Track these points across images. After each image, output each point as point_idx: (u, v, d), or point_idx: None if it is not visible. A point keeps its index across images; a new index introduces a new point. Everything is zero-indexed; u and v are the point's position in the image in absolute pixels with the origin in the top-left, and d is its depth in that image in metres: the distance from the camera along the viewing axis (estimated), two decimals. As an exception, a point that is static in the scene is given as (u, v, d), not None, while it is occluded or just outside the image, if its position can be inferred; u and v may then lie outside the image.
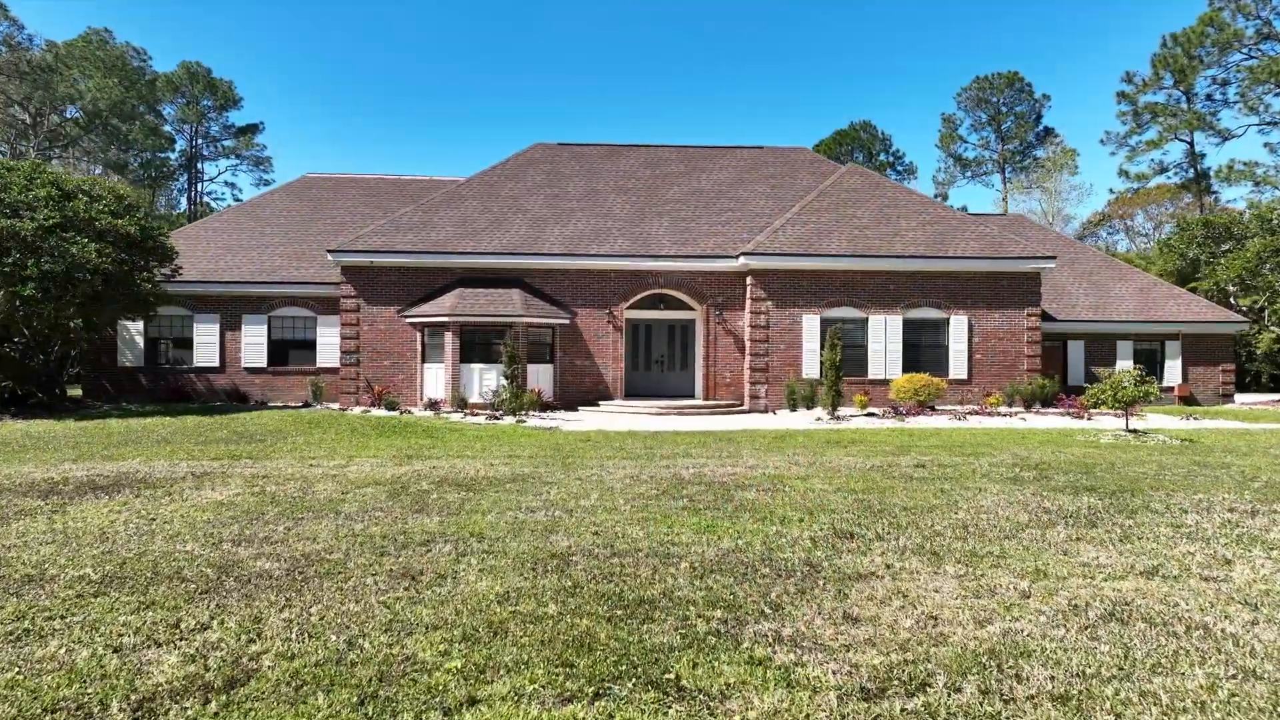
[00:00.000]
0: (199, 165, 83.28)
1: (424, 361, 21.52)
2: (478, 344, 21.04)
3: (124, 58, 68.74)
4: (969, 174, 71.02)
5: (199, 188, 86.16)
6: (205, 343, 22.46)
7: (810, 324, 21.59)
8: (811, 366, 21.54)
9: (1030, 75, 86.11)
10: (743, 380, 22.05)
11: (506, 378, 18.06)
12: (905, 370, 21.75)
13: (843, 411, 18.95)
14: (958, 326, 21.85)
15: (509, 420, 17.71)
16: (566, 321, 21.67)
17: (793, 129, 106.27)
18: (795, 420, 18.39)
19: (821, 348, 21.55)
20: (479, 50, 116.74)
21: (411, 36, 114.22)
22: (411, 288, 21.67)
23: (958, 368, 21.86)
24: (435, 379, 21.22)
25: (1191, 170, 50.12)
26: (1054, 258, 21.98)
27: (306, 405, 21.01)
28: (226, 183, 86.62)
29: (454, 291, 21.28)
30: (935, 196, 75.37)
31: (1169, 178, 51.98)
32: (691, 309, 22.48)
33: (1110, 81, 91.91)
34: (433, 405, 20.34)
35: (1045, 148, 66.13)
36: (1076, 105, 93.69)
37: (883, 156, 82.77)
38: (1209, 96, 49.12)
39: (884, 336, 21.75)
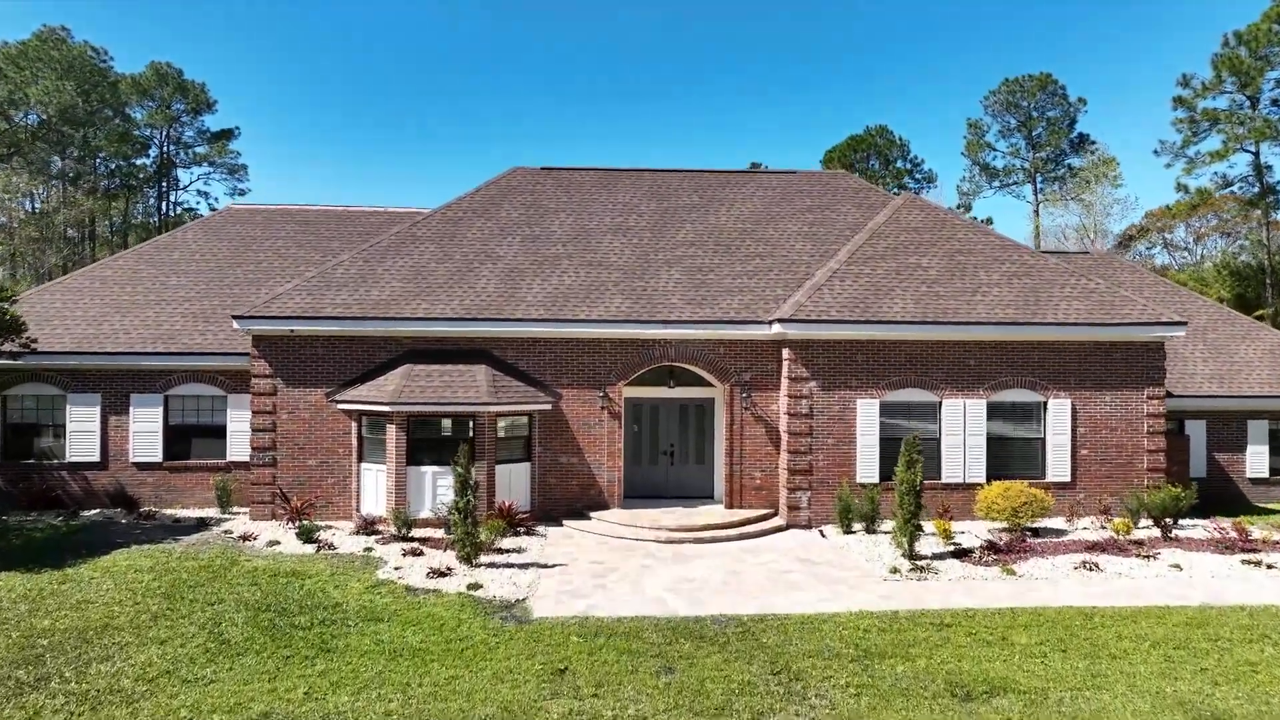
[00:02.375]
0: (173, 173, 78.36)
1: (361, 460, 16.45)
2: (431, 439, 15.98)
3: (83, 58, 63.66)
4: (996, 184, 65.85)
5: (173, 197, 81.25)
6: (82, 431, 17.39)
7: (867, 411, 16.50)
8: (869, 467, 16.46)
9: (1064, 77, 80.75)
10: (777, 482, 16.97)
11: (460, 492, 12.94)
12: (990, 469, 16.67)
13: (921, 545, 13.86)
14: (1058, 413, 16.77)
15: (458, 578, 12.61)
16: (548, 406, 16.61)
17: (802, 137, 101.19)
18: (853, 555, 13.31)
19: (881, 440, 16.48)
20: (469, 53, 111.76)
21: (396, 45, 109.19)
22: (345, 363, 16.60)
23: (1058, 467, 16.78)
24: (375, 486, 16.15)
25: (1258, 185, 44.97)
26: (1184, 323, 16.88)
27: (200, 527, 15.91)
28: (200, 192, 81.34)
29: (400, 369, 16.21)
30: (957, 208, 70.43)
31: (1236, 192, 46.83)
32: (710, 384, 17.41)
33: (1156, 84, 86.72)
34: (369, 526, 15.25)
35: (1081, 156, 61.13)
36: (1117, 111, 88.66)
37: (900, 163, 77.83)
38: (1276, 102, 44.01)
39: (962, 426, 16.67)
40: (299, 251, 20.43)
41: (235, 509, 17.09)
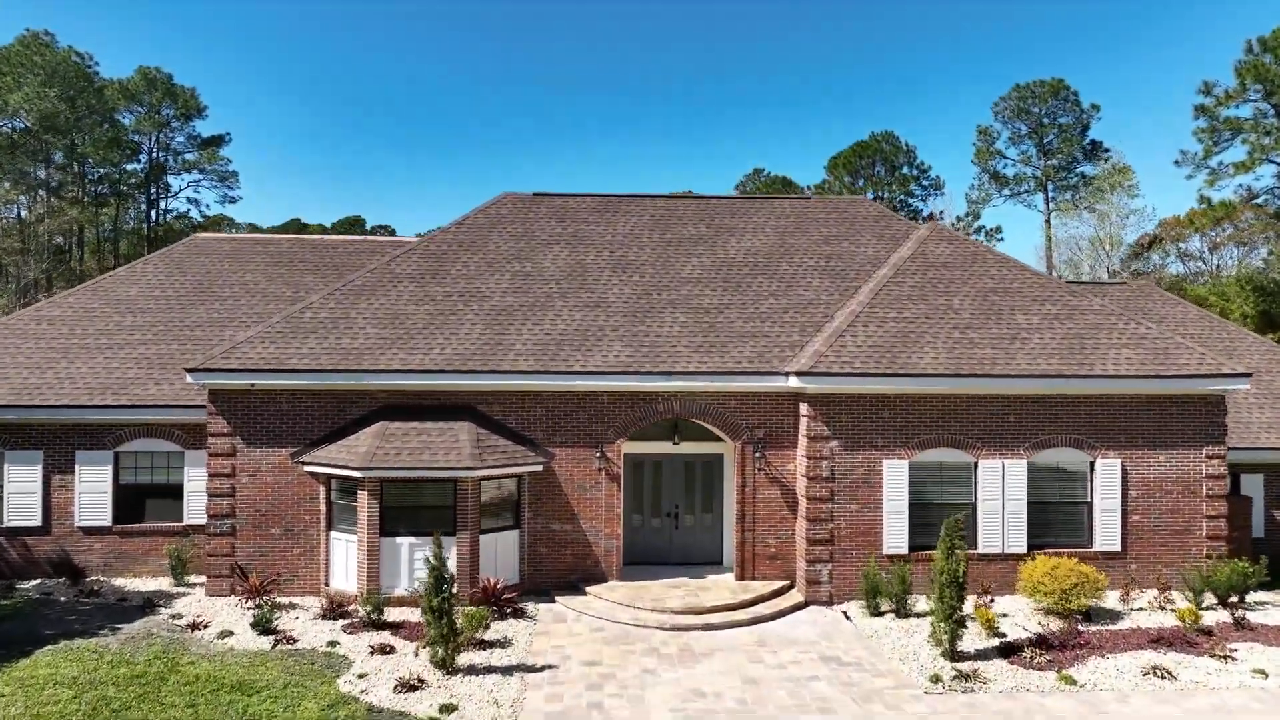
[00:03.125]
0: (163, 179, 76.67)
1: (330, 529, 14.74)
2: (408, 506, 14.29)
3: (68, 63, 61.94)
4: (1007, 192, 64.07)
5: (163, 205, 79.60)
6: (21, 492, 15.67)
7: (894, 473, 14.79)
8: (897, 536, 14.75)
9: (1076, 83, 78.90)
10: (794, 550, 15.26)
11: (435, 589, 11.19)
12: (1031, 537, 14.96)
13: (962, 641, 12.12)
14: (1107, 475, 15.05)
15: (431, 693, 10.89)
16: (539, 467, 14.91)
17: (806, 145, 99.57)
18: (885, 650, 11.60)
19: (911, 506, 14.78)
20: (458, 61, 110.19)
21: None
22: (313, 420, 14.89)
23: (1106, 534, 15.07)
24: (346, 557, 14.45)
25: (1283, 197, 43.25)
26: (1248, 375, 15.17)
27: (147, 609, 14.19)
28: (189, 199, 79.56)
29: (374, 427, 14.51)
30: (966, 216, 68.79)
31: (1263, 203, 45.07)
32: (719, 438, 15.70)
33: (1170, 91, 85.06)
34: (337, 608, 13.52)
35: (1094, 164, 59.40)
36: (1131, 118, 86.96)
37: (906, 170, 76.18)
38: (1301, 111, 42.21)
39: (1001, 490, 14.96)
40: (269, 286, 18.70)
41: (192, 579, 15.37)
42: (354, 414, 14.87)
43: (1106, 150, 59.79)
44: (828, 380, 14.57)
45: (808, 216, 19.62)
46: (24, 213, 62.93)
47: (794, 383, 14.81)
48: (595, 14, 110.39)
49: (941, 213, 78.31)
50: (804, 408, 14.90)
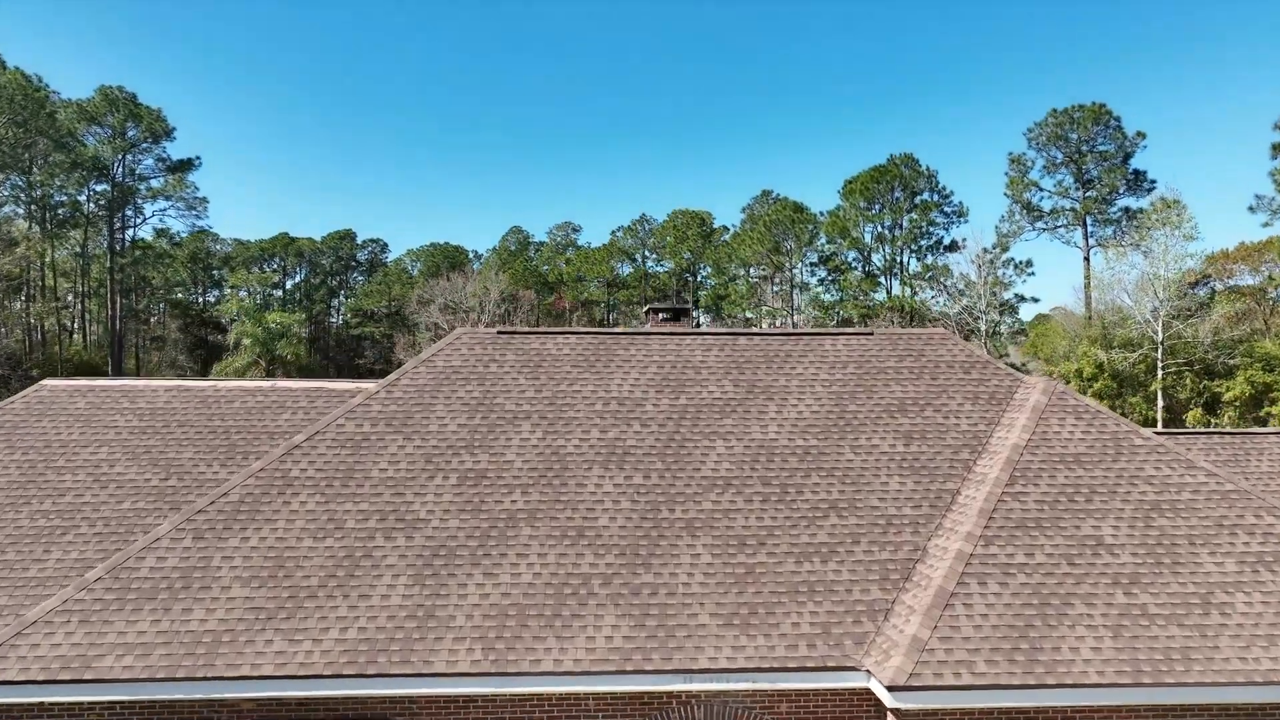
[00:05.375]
0: (130, 204, 71.47)
1: None
2: None
3: (15, 84, 56.75)
4: (1041, 225, 58.88)
5: (129, 235, 74.36)
6: None
7: (1037, 834, 9.59)
8: None
9: (1118, 109, 73.66)
10: None
11: None
12: None
13: None
14: (1358, 826, 9.84)
15: None
16: (490, 815, 9.72)
17: (822, 170, 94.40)
18: None
19: None
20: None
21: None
22: (141, 750, 9.70)
23: None
24: None
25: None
26: None
27: None
28: (156, 229, 74.21)
29: (232, 766, 9.31)
30: (994, 248, 63.55)
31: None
32: (759, 740, 10.50)
33: (1228, 122, 79.81)
34: None
35: (1137, 195, 54.21)
36: (1175, 147, 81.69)
37: (927, 195, 71.09)
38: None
39: None
40: (128, 470, 13.49)
41: None
42: (206, 737, 9.69)
43: (1152, 182, 54.66)
44: (933, 696, 9.40)
45: (870, 363, 14.41)
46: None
47: (878, 689, 9.65)
48: (601, 26, 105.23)
49: (964, 241, 73.16)
50: (895, 725, 9.74)
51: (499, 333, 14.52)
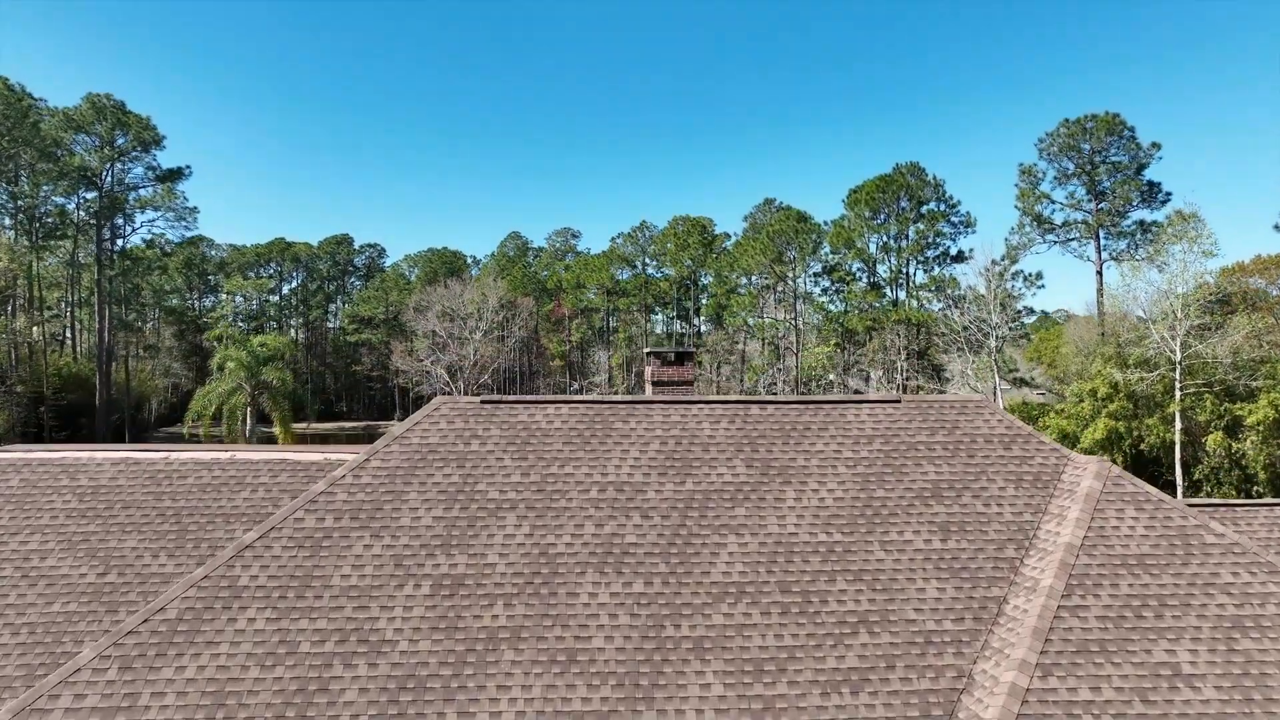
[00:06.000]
0: (118, 214, 69.91)
1: None
2: None
3: (-2, 95, 55.21)
4: (1054, 238, 57.26)
5: (120, 243, 72.81)
6: None
7: None
8: None
9: (1130, 119, 72.01)
10: None
11: None
12: None
13: None
14: None
15: None
16: None
17: (824, 174, 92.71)
18: None
19: None
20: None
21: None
22: None
23: None
24: None
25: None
26: None
27: None
28: (145, 241, 72.54)
29: None
30: (1002, 259, 61.94)
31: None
32: None
33: (1241, 136, 78.35)
34: None
35: (1151, 208, 52.64)
36: (1190, 157, 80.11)
37: (933, 205, 69.50)
38: None
39: None
40: (59, 565, 11.90)
41: None
42: None
43: (1167, 194, 53.08)
44: None
45: (899, 436, 12.86)
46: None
47: None
48: (602, 31, 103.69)
49: (971, 251, 71.59)
50: None
51: (483, 402, 12.97)
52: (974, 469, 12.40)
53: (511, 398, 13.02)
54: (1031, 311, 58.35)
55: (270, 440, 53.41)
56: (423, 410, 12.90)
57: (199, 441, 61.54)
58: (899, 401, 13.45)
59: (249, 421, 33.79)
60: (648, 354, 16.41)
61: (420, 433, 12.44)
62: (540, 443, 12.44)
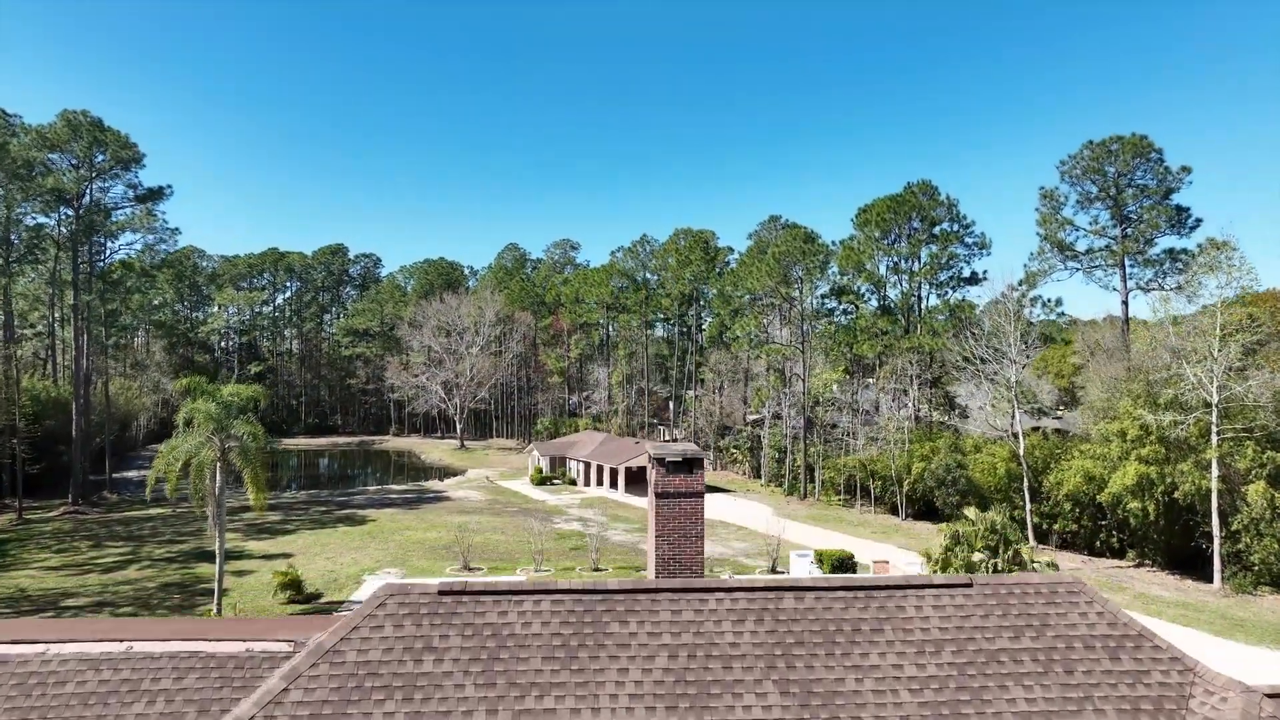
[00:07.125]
0: (93, 238, 67.08)
1: None
2: None
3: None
4: (1076, 265, 54.33)
5: (100, 263, 69.98)
6: None
7: None
8: None
9: (1160, 141, 69.04)
10: None
11: None
12: None
13: None
14: None
15: None
16: None
17: (830, 196, 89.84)
18: None
19: None
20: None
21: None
22: None
23: None
24: None
25: None
26: None
27: None
28: (123, 263, 69.51)
29: None
30: (1019, 284, 59.10)
31: None
32: None
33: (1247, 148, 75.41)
34: None
35: (1180, 234, 49.86)
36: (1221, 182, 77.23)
37: (946, 225, 66.63)
38: None
39: None
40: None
41: None
42: None
43: (1197, 220, 50.23)
44: None
45: (974, 640, 10.01)
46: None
47: None
48: (603, 31, 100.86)
49: (986, 273, 68.80)
50: None
51: (440, 593, 10.13)
52: (1074, 690, 9.56)
53: (477, 586, 10.18)
54: (1050, 340, 55.36)
55: (245, 509, 50.68)
56: (363, 607, 10.05)
57: (164, 502, 58.67)
58: (970, 585, 10.61)
59: (218, 478, 30.95)
60: (651, 458, 13.85)
61: (358, 645, 9.59)
62: (513, 658, 9.59)
